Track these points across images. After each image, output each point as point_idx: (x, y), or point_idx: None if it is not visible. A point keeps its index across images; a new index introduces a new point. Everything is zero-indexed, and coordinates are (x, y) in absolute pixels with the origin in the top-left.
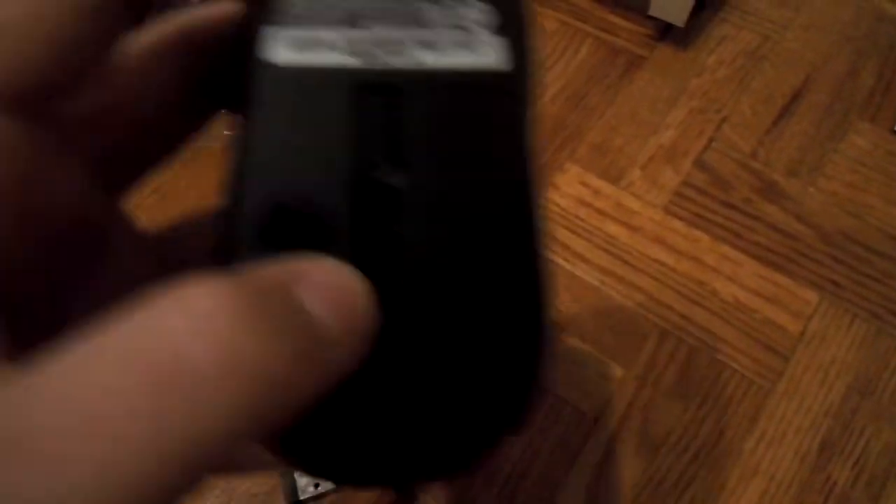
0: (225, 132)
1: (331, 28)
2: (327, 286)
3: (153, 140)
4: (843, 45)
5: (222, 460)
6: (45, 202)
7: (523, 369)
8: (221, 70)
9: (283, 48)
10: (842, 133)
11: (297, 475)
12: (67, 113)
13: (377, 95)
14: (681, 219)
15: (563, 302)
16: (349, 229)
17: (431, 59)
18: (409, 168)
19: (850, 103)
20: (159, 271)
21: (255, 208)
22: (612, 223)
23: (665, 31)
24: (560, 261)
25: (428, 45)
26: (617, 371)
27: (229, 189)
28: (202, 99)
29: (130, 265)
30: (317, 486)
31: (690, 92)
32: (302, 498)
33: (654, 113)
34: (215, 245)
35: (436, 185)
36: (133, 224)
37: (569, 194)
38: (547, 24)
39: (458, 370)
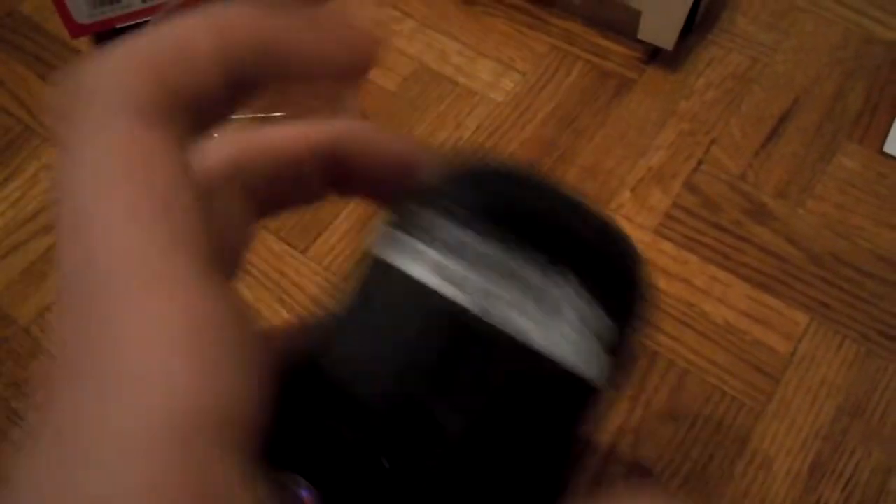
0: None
1: (447, 253)
2: None
3: None
4: (831, 67)
5: None
6: None
7: None
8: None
9: (398, 251)
10: (830, 154)
11: None
12: None
13: (467, 339)
14: (671, 241)
15: None
16: (381, 441)
17: (528, 330)
18: (459, 414)
19: (838, 125)
20: None
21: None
22: None
23: (654, 54)
24: None
25: (531, 318)
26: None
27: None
28: None
29: None
30: None
31: (680, 114)
32: None
33: (643, 135)
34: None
35: (477, 444)
36: None
37: None
38: (538, 47)
39: None
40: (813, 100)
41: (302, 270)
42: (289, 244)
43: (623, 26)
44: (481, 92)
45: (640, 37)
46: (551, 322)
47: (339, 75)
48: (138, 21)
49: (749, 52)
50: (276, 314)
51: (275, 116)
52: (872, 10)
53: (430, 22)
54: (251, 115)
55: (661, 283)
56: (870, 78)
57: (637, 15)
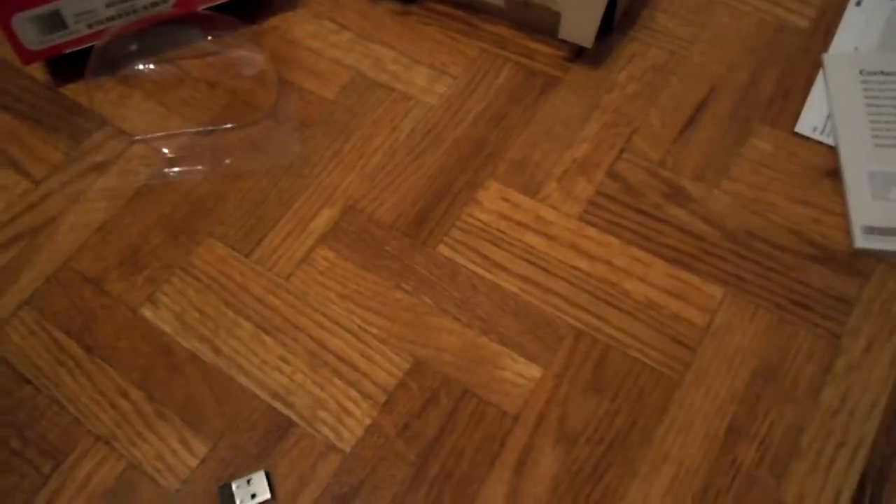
0: (165, 170)
1: None
2: None
3: None
4: (745, 56)
5: None
6: None
7: None
8: None
9: None
10: (745, 138)
11: (234, 486)
12: None
13: None
14: (594, 226)
15: (485, 309)
16: None
17: None
18: None
19: (752, 110)
20: None
21: None
22: (531, 234)
23: (578, 53)
24: (482, 271)
25: None
26: (536, 371)
27: None
28: None
29: None
30: (253, 496)
31: (602, 107)
32: None
33: (568, 129)
34: None
35: None
36: None
37: (490, 209)
38: (469, 52)
39: None
40: (728, 88)
41: (247, 273)
42: (233, 248)
43: (548, 28)
44: (416, 96)
45: (561, 36)
46: None
47: None
48: (85, 46)
49: (668, 46)
50: (223, 315)
51: (224, 128)
52: (785, 0)
53: (366, 33)
54: (200, 128)
55: (586, 265)
56: (782, 64)
57: (558, 16)
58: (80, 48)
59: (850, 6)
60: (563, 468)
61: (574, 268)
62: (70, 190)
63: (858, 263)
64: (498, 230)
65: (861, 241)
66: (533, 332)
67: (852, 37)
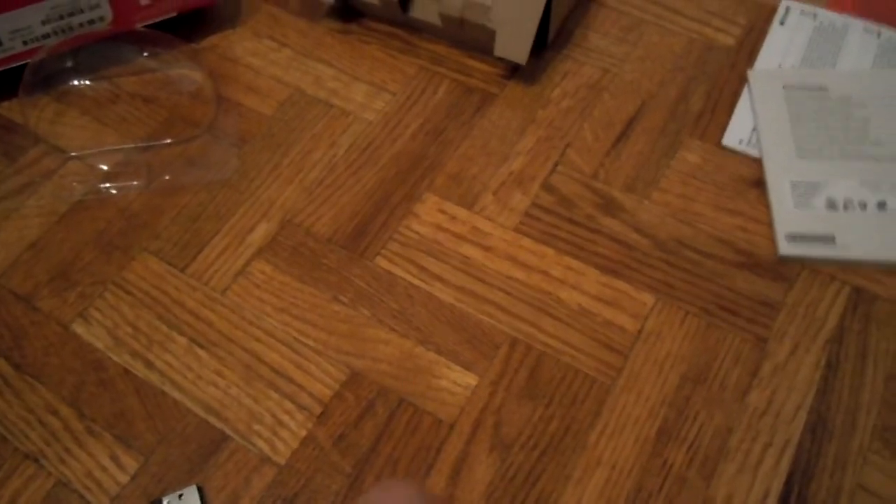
0: (100, 186)
1: None
2: None
3: None
4: (675, 73)
5: None
6: None
7: None
8: None
9: None
10: (674, 150)
11: (164, 501)
12: None
13: None
14: (530, 237)
15: (421, 320)
16: None
17: None
18: None
19: (681, 124)
20: None
21: None
22: (468, 245)
23: (514, 70)
24: (419, 283)
25: None
26: (472, 380)
27: None
28: None
29: None
30: (180, 496)
31: (538, 122)
32: None
33: (504, 143)
34: None
35: None
36: None
37: (427, 222)
38: (408, 69)
39: None
40: (658, 103)
41: (182, 288)
42: (168, 263)
43: (484, 46)
44: (355, 112)
45: (496, 54)
46: None
47: None
48: (19, 63)
49: (600, 64)
50: (157, 330)
51: (161, 144)
52: (713, 19)
53: (306, 51)
54: (137, 144)
55: (521, 275)
56: (710, 81)
57: (493, 34)
58: (14, 65)
59: (775, 25)
60: (497, 475)
61: (510, 278)
62: (2, 207)
63: (783, 269)
64: (435, 242)
65: (785, 248)
66: (469, 341)
67: (776, 54)
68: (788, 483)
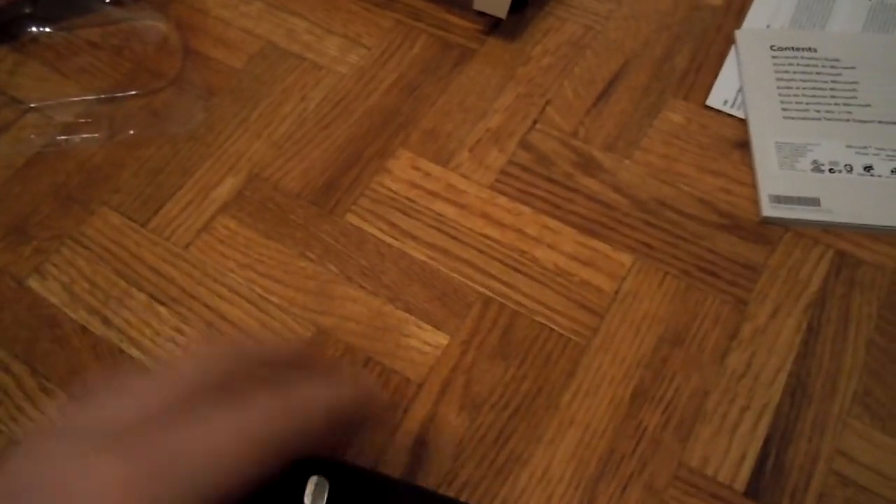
0: (59, 138)
1: None
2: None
3: None
4: (660, 32)
5: None
6: None
7: None
8: None
9: None
10: (657, 110)
11: None
12: None
13: None
14: (506, 195)
15: (392, 277)
16: None
17: None
18: None
19: (665, 84)
20: None
21: None
22: (442, 202)
23: (494, 26)
24: (390, 240)
25: None
26: (442, 339)
27: None
28: None
29: None
30: None
31: (517, 79)
32: None
33: (482, 100)
34: None
35: None
36: None
37: (401, 178)
38: (384, 23)
39: None
40: (642, 62)
41: (142, 243)
42: (129, 217)
43: (464, 1)
44: (328, 66)
45: (475, 7)
46: None
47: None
48: None
49: (583, 21)
50: (115, 286)
51: (125, 95)
52: None
53: (279, 3)
54: (99, 96)
55: (496, 233)
56: (696, 40)
57: None
58: None
59: None
60: (467, 434)
61: (484, 236)
62: None
63: (766, 232)
64: (408, 199)
65: (768, 210)
66: (440, 299)
67: (765, 15)
68: (766, 447)
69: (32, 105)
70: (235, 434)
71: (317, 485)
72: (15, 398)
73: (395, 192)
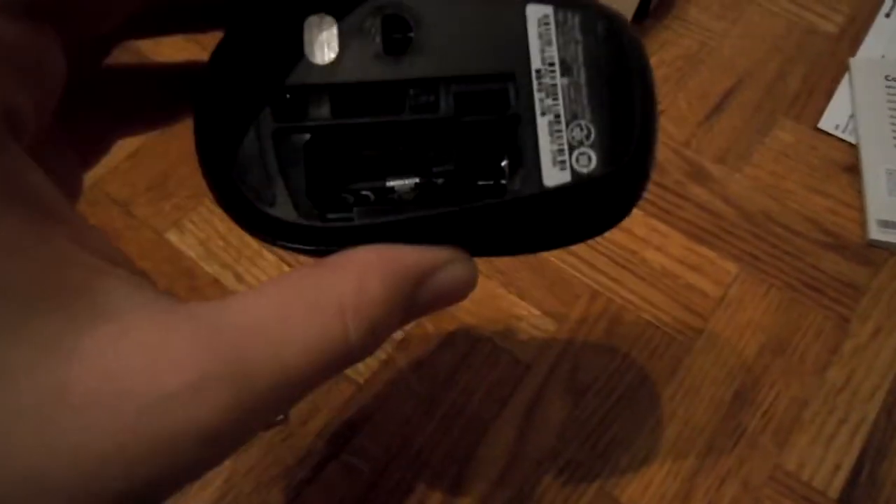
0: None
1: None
2: (446, 295)
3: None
4: (773, 53)
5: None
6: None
7: None
8: None
9: None
10: (768, 128)
11: None
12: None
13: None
14: None
15: (505, 263)
16: None
17: None
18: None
19: (777, 103)
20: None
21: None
22: None
23: None
24: None
25: None
26: (551, 325)
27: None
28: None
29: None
30: None
31: None
32: None
33: None
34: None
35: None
36: None
37: None
38: None
39: None
40: (755, 81)
41: None
42: None
43: None
44: None
45: None
46: None
47: None
48: None
49: (699, 38)
50: (247, 245)
51: None
52: (815, 5)
53: None
54: None
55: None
56: (809, 64)
57: None
58: None
59: (880, 17)
60: (570, 417)
61: None
62: None
63: (871, 254)
64: None
65: (876, 234)
66: (549, 288)
67: (880, 45)
68: (860, 460)
69: None
70: None
71: (320, 27)
72: None
73: None
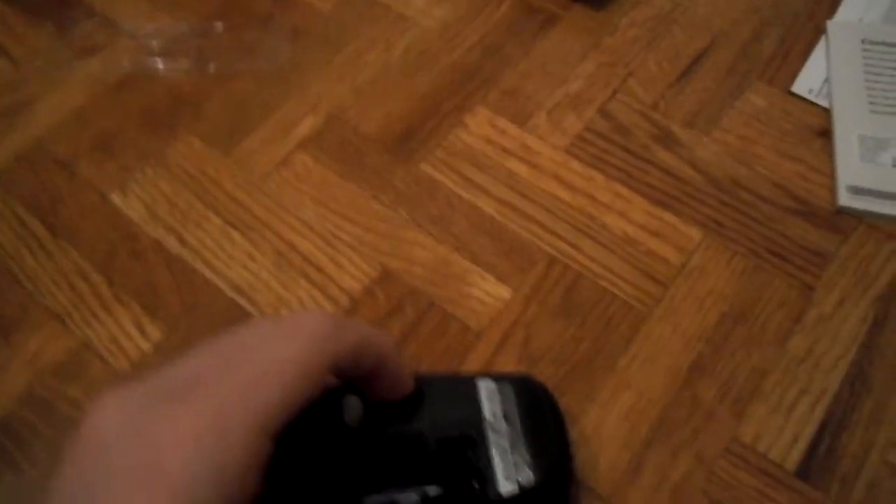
0: (150, 64)
1: None
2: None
3: None
4: (749, 14)
5: None
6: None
7: None
8: None
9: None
10: (740, 91)
11: None
12: None
13: None
14: (580, 160)
15: (460, 228)
16: None
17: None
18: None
19: (751, 65)
20: None
21: None
22: (515, 160)
23: None
24: (461, 191)
25: None
26: (505, 292)
27: None
28: None
29: None
30: None
31: (601, 49)
32: None
33: (564, 65)
34: None
35: None
36: None
37: (476, 133)
38: None
39: None
40: (729, 42)
41: (222, 171)
42: (212, 145)
43: None
44: (413, 18)
45: None
46: None
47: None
48: None
49: None
50: (193, 208)
51: (214, 29)
52: None
53: None
54: (190, 28)
55: (567, 196)
56: (785, 27)
57: None
58: None
59: None
60: None
61: (554, 197)
62: (51, 74)
63: (840, 221)
64: (482, 154)
65: (845, 200)
66: (506, 253)
67: (857, 8)
68: (820, 431)
69: (126, 29)
70: (290, 362)
71: (352, 404)
72: (91, 306)
73: (470, 146)
